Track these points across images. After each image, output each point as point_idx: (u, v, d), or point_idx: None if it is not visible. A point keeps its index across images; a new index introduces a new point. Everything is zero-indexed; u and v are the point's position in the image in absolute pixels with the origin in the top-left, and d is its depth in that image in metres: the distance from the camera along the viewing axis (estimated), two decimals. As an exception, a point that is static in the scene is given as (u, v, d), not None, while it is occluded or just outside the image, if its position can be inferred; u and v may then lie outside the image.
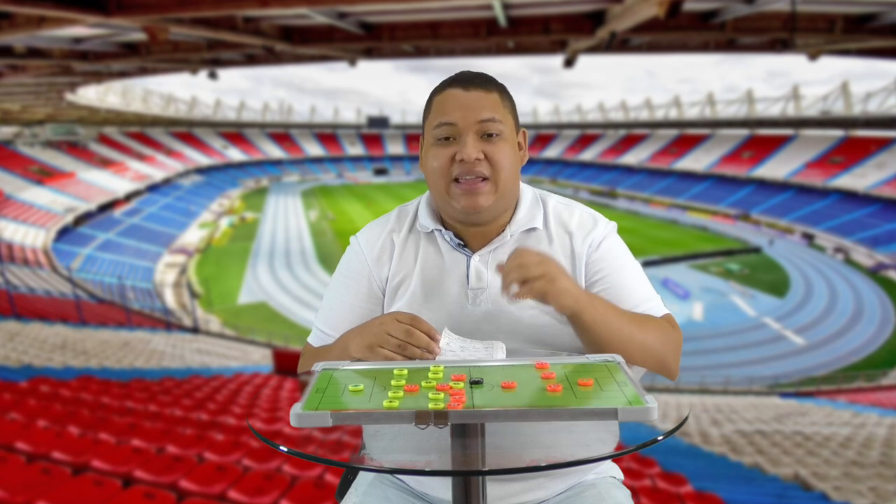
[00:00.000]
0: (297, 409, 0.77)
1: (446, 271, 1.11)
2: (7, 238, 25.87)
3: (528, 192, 1.16)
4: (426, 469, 0.87)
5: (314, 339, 1.19)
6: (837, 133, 45.57)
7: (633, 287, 1.10)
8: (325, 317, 1.18)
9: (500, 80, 1.12)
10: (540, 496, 1.04)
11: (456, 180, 1.05)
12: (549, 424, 0.79)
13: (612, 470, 1.14)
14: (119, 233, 35.10)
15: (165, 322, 17.30)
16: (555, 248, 1.10)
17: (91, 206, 36.81)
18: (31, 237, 28.19)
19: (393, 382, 0.84)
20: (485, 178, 1.04)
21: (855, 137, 43.97)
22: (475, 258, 1.10)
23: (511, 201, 1.11)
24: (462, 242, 1.12)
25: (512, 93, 1.12)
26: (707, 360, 18.64)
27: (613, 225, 1.14)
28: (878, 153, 40.45)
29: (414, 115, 74.26)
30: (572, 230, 1.11)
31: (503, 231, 1.11)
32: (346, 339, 1.06)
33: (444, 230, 1.12)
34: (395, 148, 79.66)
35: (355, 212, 45.93)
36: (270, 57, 13.71)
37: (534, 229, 1.12)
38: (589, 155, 66.62)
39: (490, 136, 1.04)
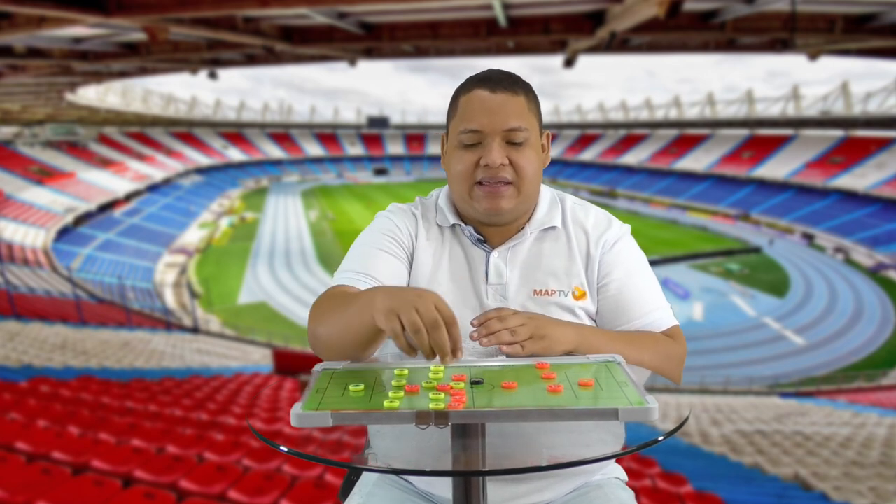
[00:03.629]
0: (297, 409, 0.77)
1: (465, 266, 1.12)
2: (7, 238, 25.86)
3: (546, 192, 1.17)
4: (426, 469, 0.87)
5: (342, 280, 1.07)
6: (837, 133, 45.55)
7: (642, 295, 1.09)
8: (356, 260, 1.10)
9: None
10: (547, 497, 1.04)
11: (479, 183, 1.05)
12: (550, 425, 0.79)
13: (616, 471, 1.14)
14: (119, 233, 35.09)
15: (165, 322, 17.30)
16: (572, 246, 1.11)
17: (91, 206, 36.80)
18: (31, 237, 28.18)
19: (393, 382, 0.84)
20: (508, 182, 1.05)
21: (855, 137, 43.96)
22: (494, 254, 1.11)
23: (532, 203, 1.12)
24: (481, 238, 1.12)
25: None
26: (707, 360, 18.64)
27: (627, 227, 1.15)
28: (878, 153, 40.44)
29: (414, 115, 74.47)
30: (588, 230, 1.12)
31: (522, 228, 1.12)
32: (374, 293, 0.90)
33: (464, 225, 1.13)
34: (395, 148, 79.64)
35: (355, 212, 45.91)
36: (270, 57, 13.71)
37: (552, 228, 1.13)
38: (589, 155, 66.62)
39: (515, 143, 1.04)
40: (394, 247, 1.12)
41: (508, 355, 0.94)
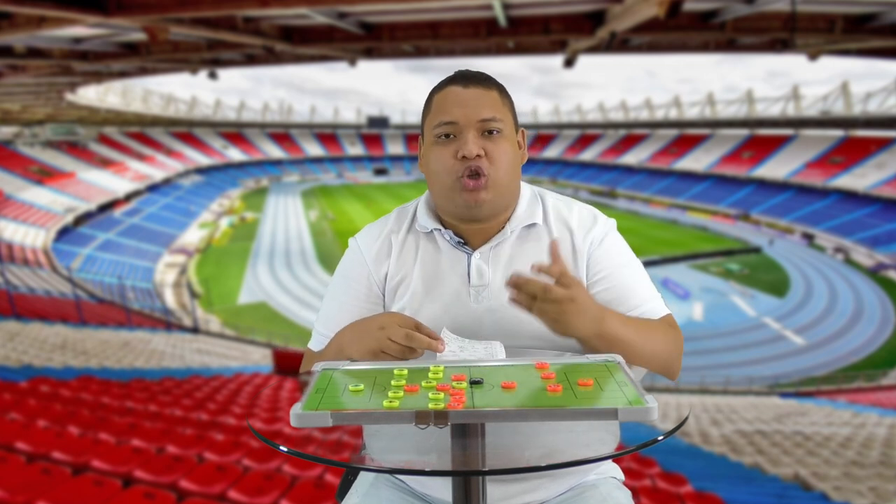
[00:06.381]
0: (297, 409, 0.77)
1: (447, 269, 1.11)
2: (7, 238, 25.85)
3: (526, 190, 1.16)
4: (426, 469, 0.87)
5: (315, 344, 1.18)
6: (837, 133, 45.55)
7: (635, 287, 1.10)
8: (326, 320, 1.16)
9: (500, 80, 1.12)
10: (541, 497, 1.04)
11: (459, 178, 1.05)
12: (549, 424, 0.79)
13: (612, 471, 1.14)
14: (119, 233, 35.08)
15: (165, 322, 17.30)
16: None
17: (91, 206, 36.80)
18: (31, 237, 28.18)
19: (393, 382, 0.84)
20: (485, 175, 1.05)
21: (855, 137, 43.95)
22: (476, 255, 1.10)
23: (511, 199, 1.11)
24: (462, 241, 1.12)
25: (512, 93, 1.12)
26: (707, 360, 18.63)
27: (613, 222, 1.14)
28: (878, 153, 40.43)
29: (414, 115, 74.23)
30: (573, 227, 1.12)
31: (503, 228, 1.11)
32: (341, 341, 1.05)
33: (443, 229, 1.12)
34: (395, 148, 79.62)
35: (355, 212, 45.91)
36: (270, 57, 13.71)
37: (534, 225, 1.12)
38: (589, 155, 66.60)
39: (490, 133, 1.04)
40: (360, 290, 1.14)
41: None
